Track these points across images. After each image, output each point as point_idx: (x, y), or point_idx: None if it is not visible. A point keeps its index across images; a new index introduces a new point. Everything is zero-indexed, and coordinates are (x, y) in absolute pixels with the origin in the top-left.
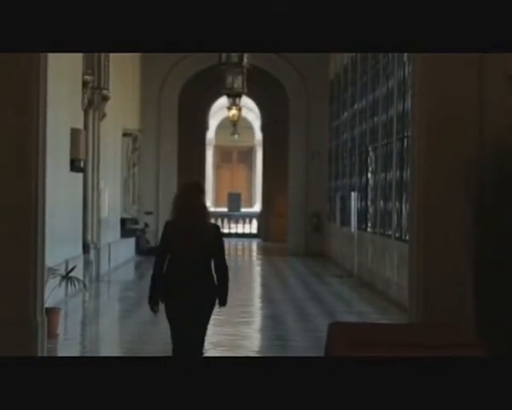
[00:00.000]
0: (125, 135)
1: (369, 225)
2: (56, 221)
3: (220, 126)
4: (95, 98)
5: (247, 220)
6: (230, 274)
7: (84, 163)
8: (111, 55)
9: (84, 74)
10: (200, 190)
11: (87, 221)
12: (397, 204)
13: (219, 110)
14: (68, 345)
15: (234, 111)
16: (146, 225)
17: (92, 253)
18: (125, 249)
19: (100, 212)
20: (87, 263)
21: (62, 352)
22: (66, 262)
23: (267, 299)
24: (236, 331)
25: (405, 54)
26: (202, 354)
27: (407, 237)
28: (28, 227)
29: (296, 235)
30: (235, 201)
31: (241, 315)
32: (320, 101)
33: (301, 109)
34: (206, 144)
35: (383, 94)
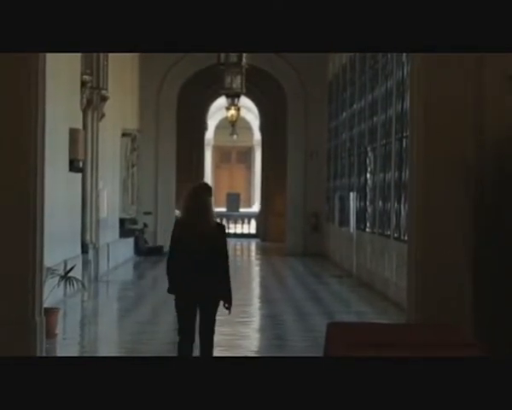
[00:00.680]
0: (123, 135)
1: (368, 225)
2: (55, 221)
3: (219, 127)
4: (93, 98)
5: (246, 220)
6: (229, 274)
7: (83, 163)
8: (110, 55)
9: (82, 74)
10: (209, 192)
11: (86, 221)
12: (395, 204)
13: (218, 110)
14: (67, 345)
15: (232, 111)
16: (145, 225)
17: (91, 253)
18: (124, 249)
19: (99, 212)
20: (86, 263)
21: (61, 352)
22: (65, 262)
23: (266, 299)
24: (235, 331)
25: (404, 54)
26: (212, 345)
27: (406, 238)
28: (27, 227)
29: (295, 235)
30: (233, 201)
31: (239, 315)
32: (319, 101)
33: (300, 109)
34: (204, 145)
35: (382, 94)
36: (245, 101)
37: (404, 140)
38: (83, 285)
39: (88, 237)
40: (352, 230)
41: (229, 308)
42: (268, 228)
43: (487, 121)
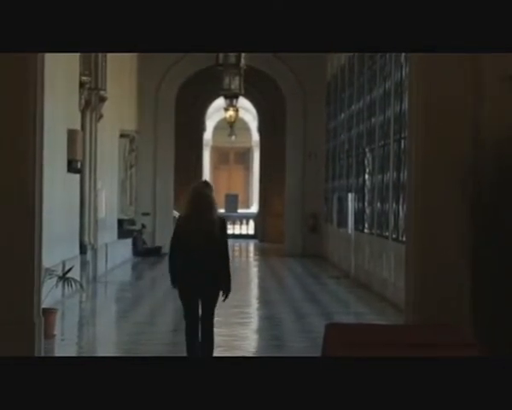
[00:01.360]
0: (122, 136)
1: (366, 226)
2: (53, 222)
3: (217, 127)
4: (92, 99)
5: (244, 221)
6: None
7: (82, 164)
8: (108, 55)
9: (81, 75)
10: (209, 187)
11: (84, 222)
12: (394, 205)
13: (216, 111)
14: (65, 345)
15: (231, 112)
16: (143, 226)
17: (89, 254)
18: (122, 250)
19: (97, 213)
20: (84, 264)
21: (59, 352)
22: (63, 263)
23: (264, 300)
24: (233, 332)
25: (403, 55)
26: (212, 331)
27: (404, 238)
28: (25, 228)
29: (293, 236)
30: (232, 202)
31: (238, 316)
32: (317, 102)
33: (298, 110)
34: (203, 145)
35: (380, 95)
36: (243, 102)
37: (403, 141)
38: (81, 286)
39: (86, 238)
40: (350, 231)
41: (226, 296)
42: (266, 229)
43: (486, 122)
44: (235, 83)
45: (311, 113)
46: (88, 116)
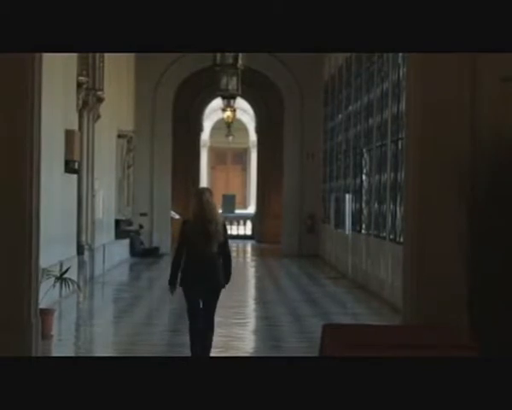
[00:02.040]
0: (119, 136)
1: (364, 226)
2: (51, 222)
3: (215, 128)
4: (89, 99)
5: (242, 222)
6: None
7: (79, 165)
8: (106, 56)
9: (78, 75)
10: (208, 191)
11: (81, 222)
12: (391, 206)
13: (214, 112)
14: (62, 346)
15: (228, 113)
16: (140, 226)
17: (86, 254)
18: (120, 251)
19: (94, 213)
20: (81, 264)
21: (56, 353)
22: (61, 263)
23: (261, 300)
24: (230, 333)
25: (400, 56)
26: (213, 327)
27: (401, 239)
28: (22, 228)
29: (290, 236)
30: (229, 202)
31: (235, 316)
32: (314, 102)
33: (296, 111)
34: (200, 146)
35: (378, 96)
36: (241, 102)
37: (400, 142)
38: (78, 286)
39: (83, 238)
40: (347, 231)
41: (224, 286)
42: (264, 229)
43: (483, 122)
44: (233, 83)
45: (308, 113)
46: (85, 116)
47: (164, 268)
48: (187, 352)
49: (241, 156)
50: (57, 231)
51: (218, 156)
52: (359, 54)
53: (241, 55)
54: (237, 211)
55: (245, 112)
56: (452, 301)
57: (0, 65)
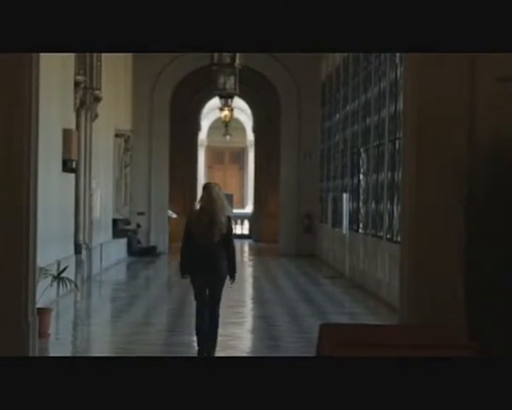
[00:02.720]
0: (117, 135)
1: (361, 226)
2: (48, 221)
3: (212, 127)
4: (87, 99)
5: (239, 221)
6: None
7: (76, 164)
8: (103, 55)
9: (76, 75)
10: (216, 185)
11: (79, 222)
12: (388, 205)
13: (211, 111)
14: (59, 345)
15: (226, 112)
16: (138, 225)
17: (84, 253)
18: (117, 250)
19: (92, 212)
20: (79, 263)
21: (54, 352)
22: (58, 262)
23: (259, 300)
24: (228, 332)
25: (397, 55)
26: (217, 324)
27: (398, 239)
28: (20, 227)
29: (288, 236)
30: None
31: (232, 316)
32: (312, 102)
33: (293, 111)
34: (198, 145)
35: (375, 95)
36: (238, 101)
37: (397, 141)
38: (76, 286)
39: (81, 238)
40: (344, 231)
41: (233, 279)
42: (261, 229)
43: (481, 122)
44: (230, 83)
45: (306, 113)
46: (83, 116)
47: (161, 267)
48: (185, 351)
49: (238, 156)
50: (55, 230)
51: (215, 156)
52: (357, 53)
53: (238, 54)
54: (235, 210)
55: (242, 111)
56: (449, 301)
57: None
